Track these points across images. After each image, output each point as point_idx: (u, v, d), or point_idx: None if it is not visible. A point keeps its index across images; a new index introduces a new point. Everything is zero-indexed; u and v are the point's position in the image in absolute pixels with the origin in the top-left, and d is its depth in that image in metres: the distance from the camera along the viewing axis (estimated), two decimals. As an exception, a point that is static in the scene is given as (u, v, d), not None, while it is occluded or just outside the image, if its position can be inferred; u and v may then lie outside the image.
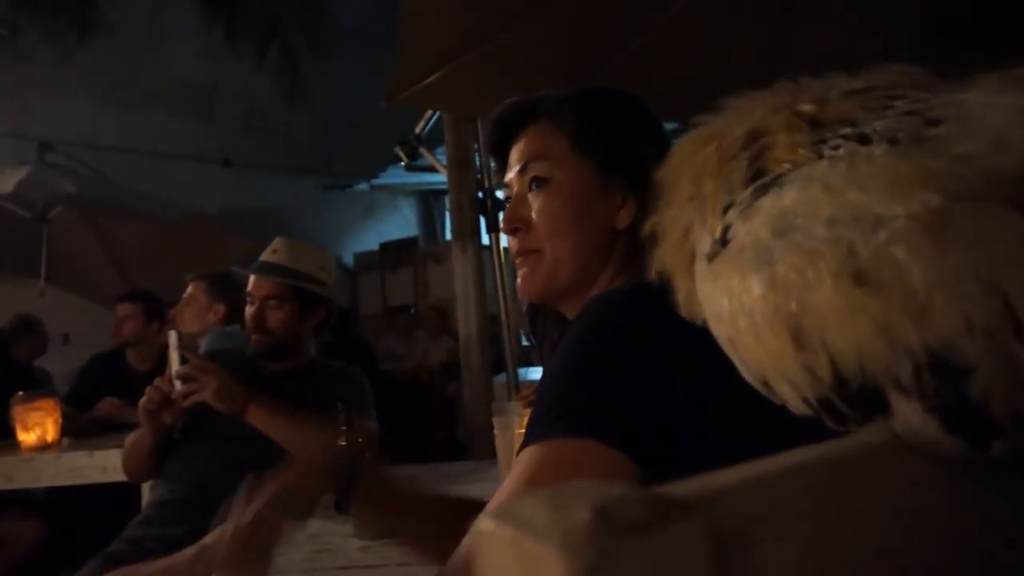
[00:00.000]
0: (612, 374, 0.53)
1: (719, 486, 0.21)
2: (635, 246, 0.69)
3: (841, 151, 0.31)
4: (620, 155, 0.71)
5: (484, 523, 0.18)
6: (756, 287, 0.29)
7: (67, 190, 3.61)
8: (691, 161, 0.39)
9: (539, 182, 0.72)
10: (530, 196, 0.72)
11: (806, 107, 0.36)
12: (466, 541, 0.54)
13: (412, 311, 6.39)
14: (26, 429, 2.11)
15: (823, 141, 0.34)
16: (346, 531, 1.10)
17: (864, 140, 0.31)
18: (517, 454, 0.56)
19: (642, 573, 0.17)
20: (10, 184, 3.31)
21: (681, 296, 0.39)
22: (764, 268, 0.29)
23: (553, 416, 0.53)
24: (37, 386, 2.63)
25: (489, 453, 2.12)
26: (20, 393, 2.16)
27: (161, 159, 5.99)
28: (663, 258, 0.40)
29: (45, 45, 5.20)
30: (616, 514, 0.17)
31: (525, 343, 5.99)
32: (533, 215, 0.72)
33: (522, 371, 2.62)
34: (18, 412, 2.12)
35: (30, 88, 5.45)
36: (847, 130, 0.33)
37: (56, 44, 5.11)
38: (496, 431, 1.15)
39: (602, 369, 0.54)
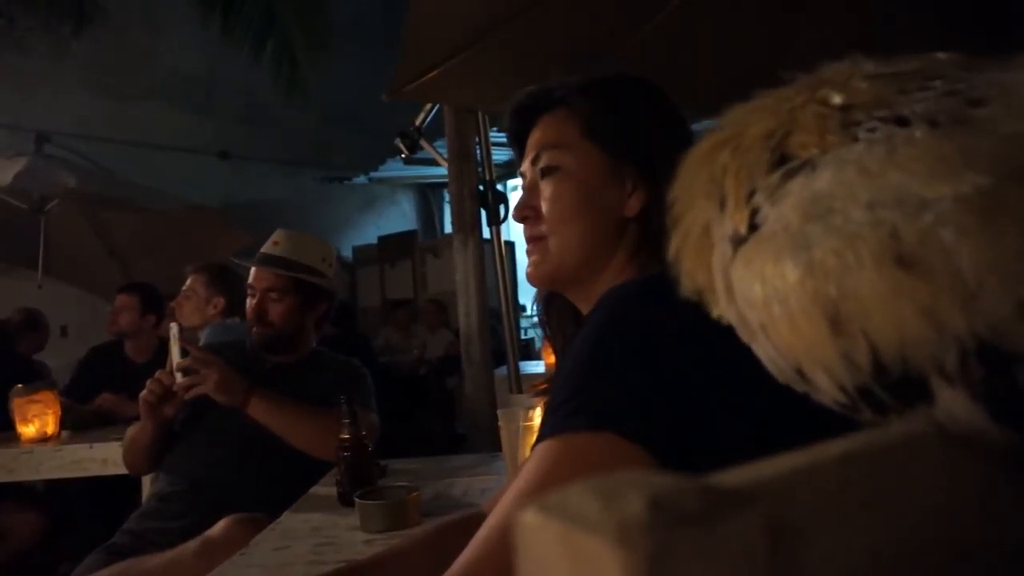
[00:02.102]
0: (630, 367, 0.53)
1: (772, 475, 0.20)
2: (645, 234, 0.69)
3: (878, 133, 0.30)
4: (631, 142, 0.70)
5: (528, 516, 0.17)
6: (792, 272, 0.28)
7: (65, 182, 3.58)
8: (706, 167, 0.38)
9: (550, 170, 0.71)
10: (541, 184, 0.73)
11: (832, 94, 0.34)
12: (486, 538, 0.53)
13: (410, 304, 6.39)
14: (26, 421, 2.10)
15: (856, 124, 0.33)
16: (350, 524, 1.09)
17: (902, 122, 0.30)
18: (533, 447, 0.55)
19: (701, 566, 0.16)
20: (8, 176, 3.29)
21: (701, 293, 0.38)
22: (800, 252, 0.28)
23: (570, 410, 0.52)
24: (36, 378, 2.62)
25: (489, 446, 2.12)
26: (19, 385, 2.15)
27: (158, 151, 5.96)
28: (684, 259, 0.39)
29: (42, 36, 5.16)
30: (672, 505, 0.16)
31: (524, 337, 5.98)
32: (543, 203, 0.72)
33: (522, 365, 2.61)
34: (18, 404, 2.11)
35: (27, 79, 5.41)
36: (883, 112, 0.32)
37: (53, 35, 5.08)
38: (501, 424, 1.14)
39: (619, 362, 0.53)
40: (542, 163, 0.72)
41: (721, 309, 0.37)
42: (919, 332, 0.25)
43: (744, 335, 0.35)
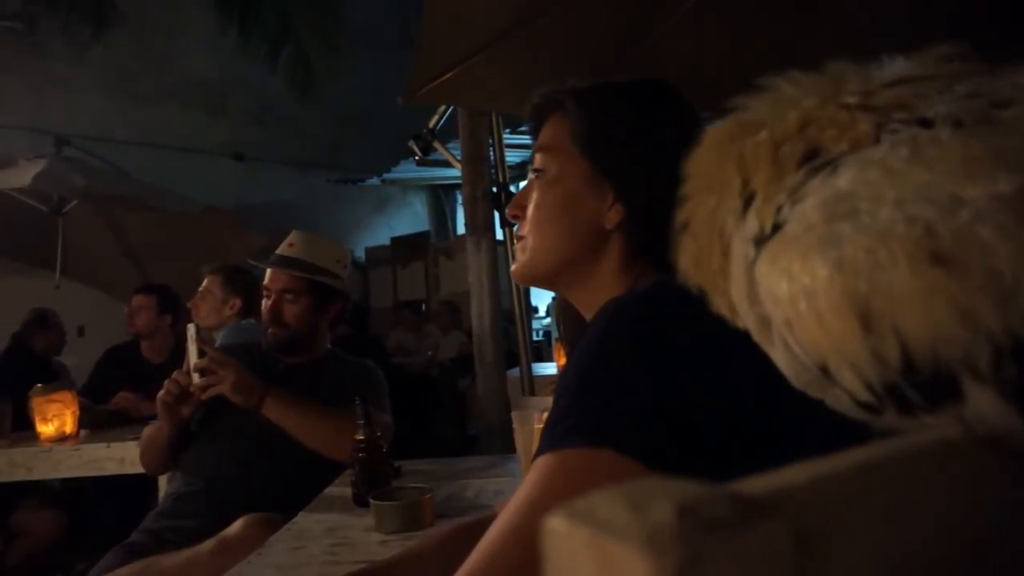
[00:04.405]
0: (628, 383, 0.52)
1: (795, 484, 0.20)
2: (631, 246, 0.69)
3: (901, 134, 0.30)
4: (613, 158, 0.69)
5: (556, 523, 0.17)
6: (822, 269, 0.28)
7: (82, 184, 3.62)
8: (734, 148, 0.37)
9: (538, 173, 0.72)
10: (535, 185, 0.74)
11: (852, 99, 0.34)
12: (488, 548, 0.53)
13: (423, 306, 6.40)
14: (45, 421, 2.13)
15: (878, 126, 0.33)
16: (365, 524, 1.09)
17: (925, 124, 0.30)
18: (533, 459, 0.55)
19: (729, 573, 0.16)
20: (27, 178, 3.33)
21: (714, 296, 0.38)
22: (830, 250, 0.28)
23: (569, 424, 0.52)
24: (55, 379, 2.66)
25: (502, 447, 2.12)
26: (39, 385, 2.18)
27: (174, 153, 6.03)
28: (696, 255, 0.39)
29: (61, 40, 5.24)
30: (700, 513, 0.16)
31: (536, 339, 5.95)
32: (529, 204, 0.73)
33: (534, 366, 2.61)
34: (37, 404, 2.14)
35: (46, 83, 5.49)
36: (903, 115, 0.32)
37: (72, 39, 5.15)
38: (515, 426, 1.14)
39: (617, 377, 0.53)
40: (534, 164, 0.73)
41: (733, 309, 0.36)
42: (952, 330, 0.25)
43: (762, 337, 0.35)
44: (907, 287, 0.25)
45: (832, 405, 0.33)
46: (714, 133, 0.39)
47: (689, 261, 0.38)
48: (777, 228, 0.33)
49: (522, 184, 0.82)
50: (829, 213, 0.30)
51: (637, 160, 0.69)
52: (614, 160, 0.69)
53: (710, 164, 0.39)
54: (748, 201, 0.34)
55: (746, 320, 0.36)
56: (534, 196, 0.72)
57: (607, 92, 0.73)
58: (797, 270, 0.29)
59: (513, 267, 0.76)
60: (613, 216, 0.69)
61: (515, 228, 0.86)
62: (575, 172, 0.70)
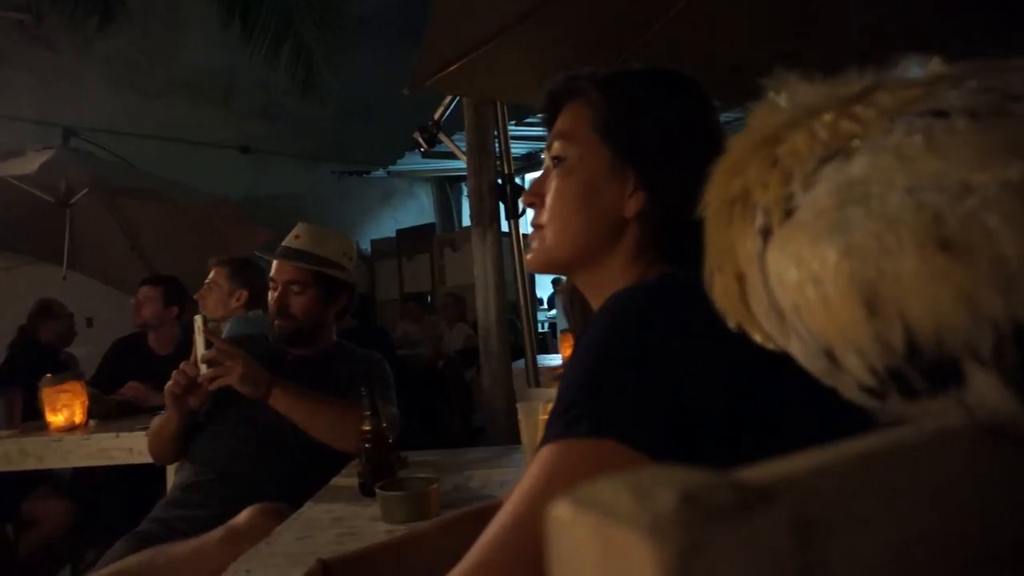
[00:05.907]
0: (632, 374, 0.53)
1: (797, 472, 0.20)
2: (646, 235, 0.69)
3: (916, 124, 0.30)
4: (636, 143, 0.69)
5: (561, 510, 0.18)
6: (831, 254, 0.28)
7: (90, 176, 3.64)
8: (739, 177, 0.37)
9: (557, 160, 0.71)
10: (552, 173, 0.73)
11: (858, 109, 0.34)
12: (493, 538, 0.53)
13: (428, 298, 6.41)
14: (54, 411, 2.15)
15: (892, 119, 0.32)
16: (372, 514, 1.10)
17: (940, 115, 0.30)
18: (537, 449, 0.55)
19: (731, 560, 0.16)
20: (34, 165, 3.34)
21: (749, 328, 0.37)
22: (839, 236, 0.28)
23: (574, 414, 0.52)
24: (64, 369, 2.68)
25: (507, 438, 2.12)
26: (48, 376, 2.20)
27: (181, 145, 6.05)
28: (723, 291, 0.38)
29: (68, 33, 5.25)
30: (704, 500, 0.16)
31: (541, 331, 5.94)
32: (547, 192, 0.72)
33: (539, 358, 2.61)
34: (47, 394, 2.16)
35: (53, 75, 5.51)
36: (918, 107, 0.32)
37: (78, 32, 5.16)
38: (520, 417, 1.14)
39: (622, 369, 0.53)
40: (553, 152, 0.72)
41: (766, 336, 0.36)
42: (956, 315, 0.25)
43: (778, 329, 0.34)
44: (913, 272, 0.26)
45: (843, 393, 0.33)
46: (727, 158, 0.38)
47: (719, 295, 0.38)
48: (789, 214, 0.33)
49: (528, 176, 0.82)
50: (841, 199, 0.30)
51: (659, 146, 0.68)
52: (636, 146, 0.69)
53: (722, 195, 0.38)
54: (755, 214, 0.34)
55: (765, 319, 0.35)
56: (553, 184, 0.71)
57: (627, 79, 0.72)
58: (807, 255, 0.29)
59: (528, 256, 0.75)
60: (633, 204, 0.68)
61: (525, 214, 0.85)
62: (595, 159, 0.69)
